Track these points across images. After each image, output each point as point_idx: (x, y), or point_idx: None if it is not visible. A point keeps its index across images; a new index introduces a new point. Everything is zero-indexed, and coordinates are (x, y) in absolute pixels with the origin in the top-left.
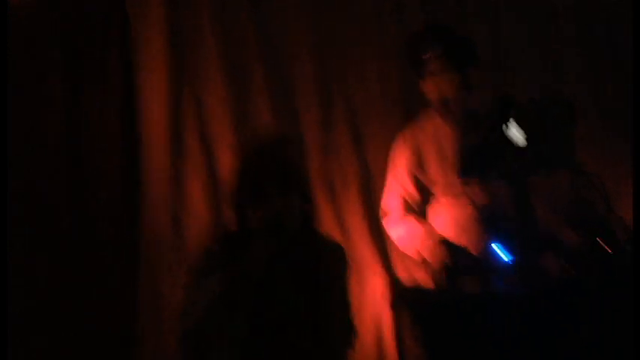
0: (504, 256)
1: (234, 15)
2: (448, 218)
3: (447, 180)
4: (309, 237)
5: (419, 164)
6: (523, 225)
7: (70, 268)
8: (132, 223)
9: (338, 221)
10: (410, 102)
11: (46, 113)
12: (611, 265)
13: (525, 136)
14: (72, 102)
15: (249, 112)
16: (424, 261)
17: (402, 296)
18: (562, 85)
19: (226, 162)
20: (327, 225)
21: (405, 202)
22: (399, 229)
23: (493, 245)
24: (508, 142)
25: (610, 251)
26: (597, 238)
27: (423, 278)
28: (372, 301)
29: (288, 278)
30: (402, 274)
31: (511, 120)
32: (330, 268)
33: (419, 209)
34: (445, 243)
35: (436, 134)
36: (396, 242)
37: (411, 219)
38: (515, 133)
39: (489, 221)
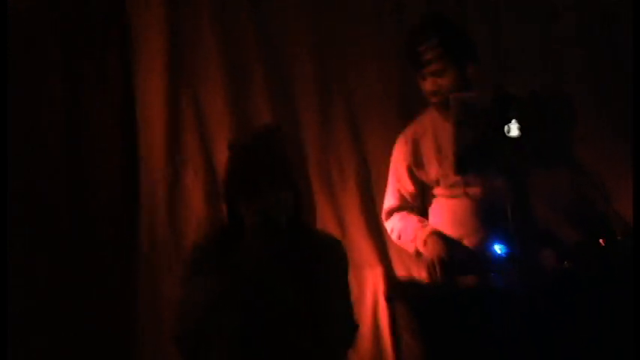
0: (502, 251)
1: (234, 15)
2: (445, 213)
3: (446, 176)
4: (302, 231)
5: (418, 161)
6: (521, 220)
7: (70, 268)
8: (132, 223)
9: (336, 218)
10: (409, 101)
11: (46, 113)
12: (610, 262)
13: (525, 131)
14: (72, 102)
15: (249, 112)
16: (420, 254)
17: (399, 290)
18: (562, 84)
19: (226, 162)
20: (326, 221)
21: (402, 196)
22: (395, 223)
23: (490, 240)
24: (507, 137)
25: (608, 249)
26: (596, 237)
27: (419, 272)
28: (369, 295)
29: (282, 273)
30: (399, 269)
31: (511, 116)
32: (327, 262)
33: (416, 204)
34: (441, 236)
35: (435, 130)
36: (391, 236)
37: (407, 213)
38: (515, 128)
39: (487, 216)
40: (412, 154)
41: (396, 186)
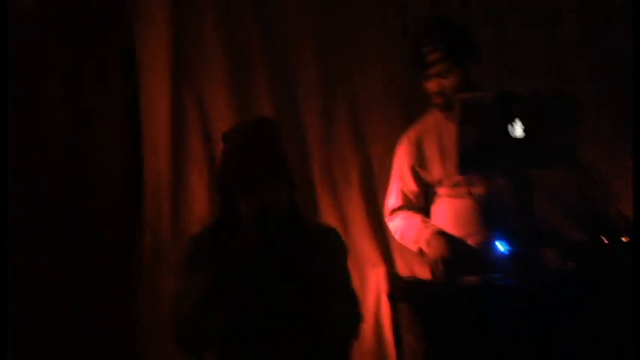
0: (505, 251)
1: (238, 17)
2: (449, 212)
3: (449, 175)
4: (298, 221)
5: (421, 161)
6: (524, 220)
7: (70, 268)
8: (133, 224)
9: (340, 217)
10: (413, 102)
11: (46, 113)
12: (612, 261)
13: (528, 131)
14: (73, 102)
15: (253, 113)
16: (423, 254)
17: (402, 290)
18: (566, 85)
19: (220, 152)
20: (329, 221)
21: (405, 196)
22: (397, 221)
23: (494, 240)
24: (511, 137)
25: (611, 249)
26: (599, 236)
27: (422, 271)
28: (371, 294)
29: (278, 265)
30: (402, 268)
31: (514, 116)
32: (325, 252)
33: (419, 204)
34: (444, 236)
35: (438, 130)
36: (394, 234)
37: (411, 212)
38: (518, 128)
39: (490, 216)
40: (416, 155)
41: (399, 186)
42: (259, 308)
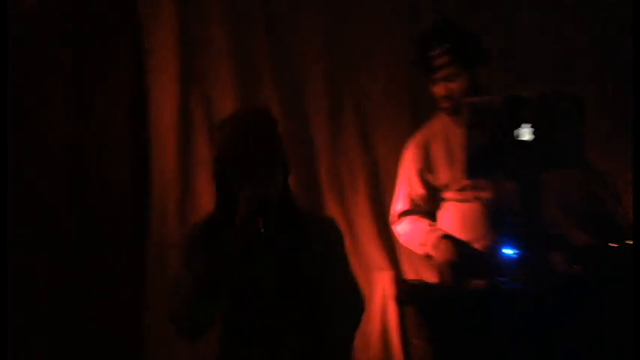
0: (512, 255)
1: (245, 15)
2: (456, 216)
3: (456, 180)
4: (292, 210)
5: (428, 165)
6: (532, 224)
7: (70, 268)
8: (134, 224)
9: (346, 221)
10: (420, 106)
11: (46, 113)
12: (619, 264)
13: (536, 134)
14: (73, 102)
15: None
16: (430, 258)
17: (409, 293)
18: (574, 86)
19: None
20: None
21: (412, 200)
22: (404, 225)
23: (501, 243)
24: (518, 141)
25: (618, 252)
26: (607, 240)
27: (429, 275)
28: (378, 298)
29: (273, 254)
30: (409, 272)
31: (522, 119)
32: (319, 239)
33: (426, 208)
34: (451, 240)
35: (445, 134)
36: (400, 238)
37: (418, 217)
38: (526, 132)
39: (497, 219)
40: (423, 159)
41: (406, 190)
42: (256, 297)
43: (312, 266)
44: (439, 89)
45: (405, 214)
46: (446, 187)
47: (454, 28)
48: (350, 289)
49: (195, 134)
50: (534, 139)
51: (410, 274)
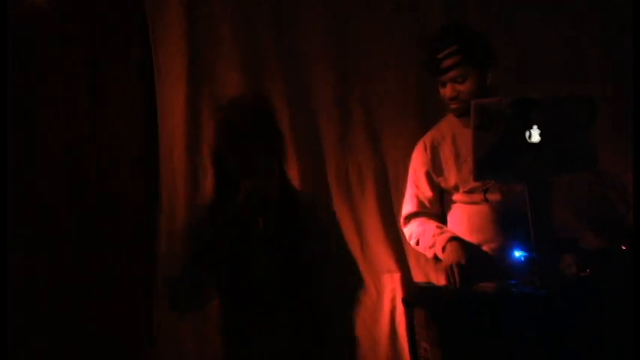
0: (521, 258)
1: (253, 15)
2: (464, 219)
3: (465, 182)
4: (288, 193)
5: (437, 167)
6: (541, 226)
7: (71, 268)
8: (132, 223)
9: (355, 223)
10: (428, 108)
11: (46, 113)
12: (629, 267)
13: (545, 136)
14: (73, 102)
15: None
16: (438, 260)
17: (417, 296)
18: (585, 86)
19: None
20: (344, 227)
21: (421, 202)
22: (413, 227)
23: (510, 246)
24: (528, 143)
25: (628, 256)
26: (618, 243)
27: (437, 278)
28: (387, 300)
29: (268, 236)
30: (418, 274)
31: (531, 121)
32: (315, 220)
33: (434, 210)
34: (460, 242)
35: (454, 136)
36: (409, 241)
37: (426, 219)
38: (536, 134)
39: (506, 222)
40: (431, 160)
41: (414, 192)
42: (251, 275)
43: (308, 251)
44: (448, 91)
45: (413, 215)
46: (454, 188)
47: (462, 30)
48: (347, 268)
49: (204, 134)
50: (544, 141)
51: (418, 277)
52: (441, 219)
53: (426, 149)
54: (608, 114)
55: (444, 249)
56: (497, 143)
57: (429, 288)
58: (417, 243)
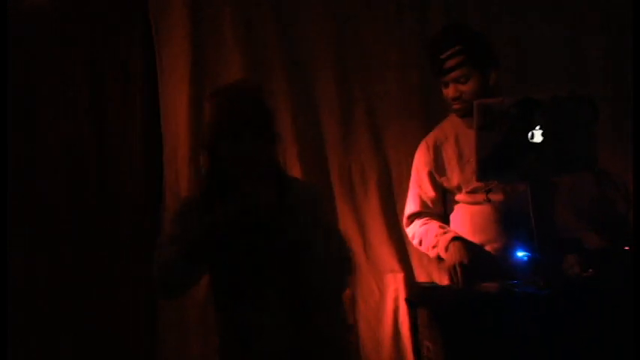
0: (524, 258)
1: (256, 15)
2: (467, 219)
3: (467, 182)
4: (282, 180)
5: (439, 167)
6: (544, 226)
7: (70, 268)
8: (132, 223)
9: (358, 223)
10: (431, 108)
11: (46, 113)
12: (631, 266)
13: (548, 136)
14: (73, 102)
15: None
16: (441, 260)
17: (420, 296)
18: (585, 87)
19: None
20: (347, 226)
21: (423, 202)
22: (415, 227)
23: (513, 246)
24: (530, 143)
25: (631, 256)
26: (620, 243)
27: (440, 278)
28: (390, 300)
29: (261, 222)
30: (421, 274)
31: (534, 121)
32: (307, 205)
33: (437, 210)
34: (463, 242)
35: (457, 137)
36: (412, 241)
37: (429, 219)
38: (538, 134)
39: (509, 222)
40: (434, 161)
41: (417, 192)
42: (242, 263)
43: (293, 229)
44: (450, 91)
45: (416, 215)
46: (457, 189)
47: (465, 31)
48: (336, 249)
49: None
50: (546, 141)
51: (421, 277)
52: (444, 219)
53: (428, 149)
54: (608, 114)
55: (446, 249)
56: (500, 143)
57: (431, 288)
58: (420, 243)
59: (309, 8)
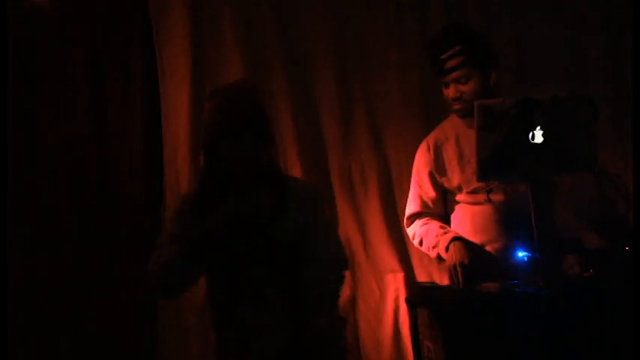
0: (525, 258)
1: (256, 15)
2: (468, 219)
3: (468, 182)
4: (278, 179)
5: (440, 167)
6: (544, 227)
7: (71, 268)
8: (132, 223)
9: (358, 223)
10: (432, 108)
11: (46, 113)
12: (631, 266)
13: (548, 136)
14: (72, 102)
15: (271, 114)
16: (441, 260)
17: (421, 296)
18: (585, 87)
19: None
20: (348, 226)
21: (424, 202)
22: (417, 228)
23: (513, 246)
24: (531, 143)
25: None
26: (620, 243)
27: (441, 278)
28: (390, 300)
29: (257, 221)
30: (421, 274)
31: (535, 122)
32: (303, 204)
33: (438, 210)
34: (463, 242)
35: (457, 137)
36: (413, 241)
37: (429, 219)
38: (539, 134)
39: (510, 222)
40: (434, 161)
41: (418, 192)
42: (241, 262)
43: (292, 229)
44: (451, 91)
45: (416, 215)
46: (458, 189)
47: (465, 31)
48: (331, 248)
49: None
50: (546, 141)
51: (422, 277)
52: (445, 219)
53: (429, 149)
54: (608, 114)
55: (447, 249)
56: (500, 144)
57: (432, 288)
58: (421, 243)
59: (309, 8)
